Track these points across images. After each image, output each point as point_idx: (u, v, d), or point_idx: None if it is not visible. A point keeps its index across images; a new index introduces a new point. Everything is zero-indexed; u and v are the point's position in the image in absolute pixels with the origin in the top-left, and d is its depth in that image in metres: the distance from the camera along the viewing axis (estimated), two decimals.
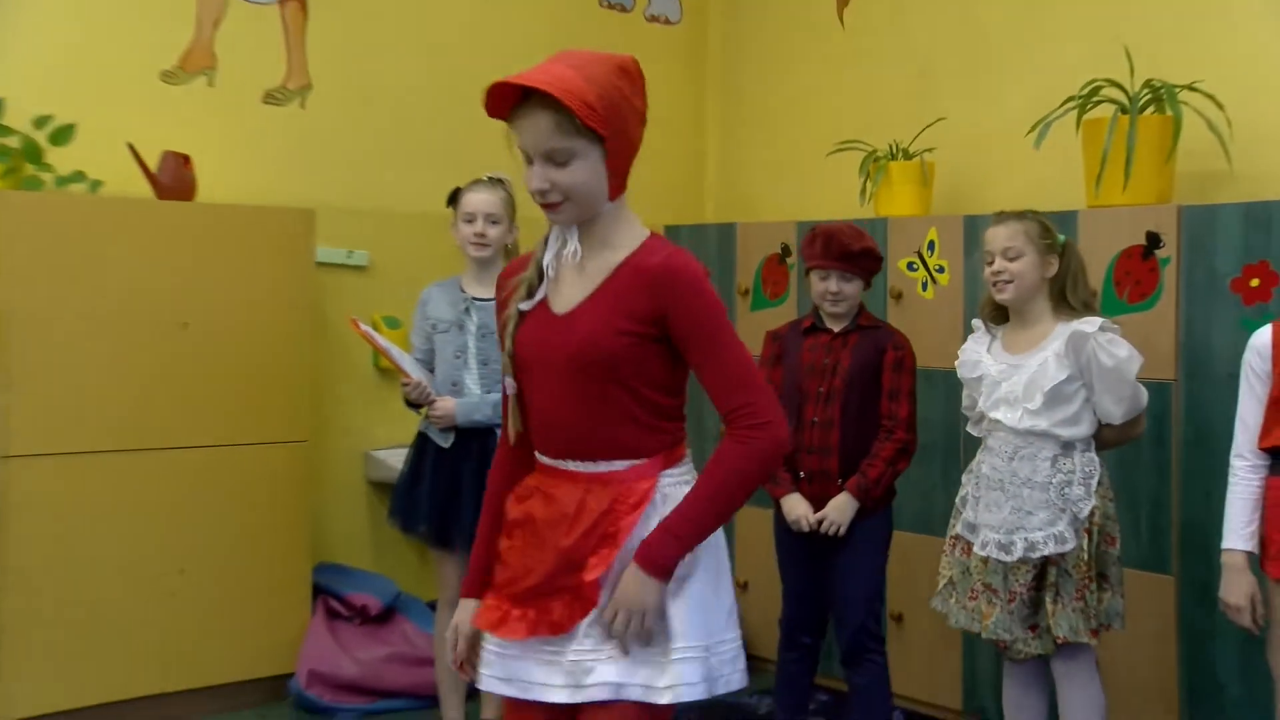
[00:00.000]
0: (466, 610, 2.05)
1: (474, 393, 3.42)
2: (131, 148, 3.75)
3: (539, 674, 1.91)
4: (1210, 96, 3.43)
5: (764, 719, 3.66)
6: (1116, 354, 2.93)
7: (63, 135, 3.62)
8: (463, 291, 3.45)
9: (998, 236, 3.04)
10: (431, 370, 3.45)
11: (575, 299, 1.93)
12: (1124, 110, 3.46)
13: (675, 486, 1.93)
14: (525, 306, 1.95)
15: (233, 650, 3.86)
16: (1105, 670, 3.22)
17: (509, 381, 1.99)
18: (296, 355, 3.98)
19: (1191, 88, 3.45)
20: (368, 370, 4.39)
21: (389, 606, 4.04)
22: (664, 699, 1.84)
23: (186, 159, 3.84)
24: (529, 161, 1.88)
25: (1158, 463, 3.30)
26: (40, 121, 3.60)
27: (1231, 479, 2.75)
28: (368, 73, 4.42)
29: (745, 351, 1.92)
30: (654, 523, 1.90)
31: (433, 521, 3.42)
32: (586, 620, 1.88)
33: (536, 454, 2.01)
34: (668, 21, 5.12)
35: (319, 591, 4.05)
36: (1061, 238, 3.06)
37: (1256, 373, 2.72)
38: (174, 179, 3.81)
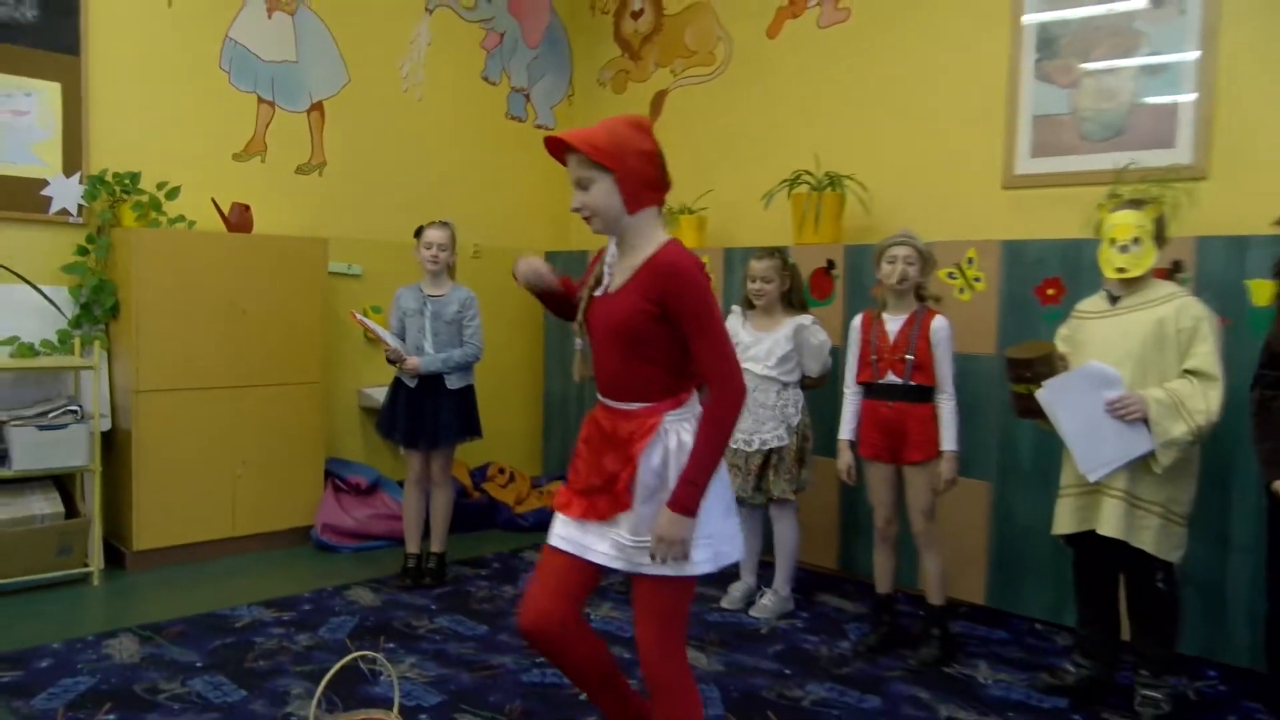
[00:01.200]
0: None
1: (430, 353, 3.91)
2: (214, 201, 4.45)
3: (593, 542, 2.11)
4: (860, 183, 4.48)
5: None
6: (820, 338, 3.70)
7: (173, 193, 4.29)
8: (422, 292, 3.98)
9: (757, 267, 3.67)
10: (403, 339, 3.97)
11: (617, 285, 2.09)
12: (814, 188, 4.39)
13: (676, 422, 2.08)
14: (598, 293, 2.13)
15: (275, 510, 4.51)
16: (800, 514, 3.98)
17: (578, 341, 2.16)
18: (315, 329, 4.57)
19: (850, 177, 4.46)
20: (359, 339, 5.11)
21: (373, 484, 4.68)
22: (686, 572, 2.04)
23: (247, 208, 4.46)
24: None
25: (834, 392, 3.90)
26: (160, 185, 4.29)
27: (845, 399, 3.50)
28: (361, 154, 5.07)
29: (725, 329, 2.05)
30: (658, 448, 2.04)
31: (404, 431, 3.97)
32: (626, 515, 2.04)
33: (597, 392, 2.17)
34: (548, 128, 5.94)
35: (329, 475, 4.69)
36: (791, 263, 3.73)
37: (854, 340, 3.48)
38: (239, 220, 4.43)
